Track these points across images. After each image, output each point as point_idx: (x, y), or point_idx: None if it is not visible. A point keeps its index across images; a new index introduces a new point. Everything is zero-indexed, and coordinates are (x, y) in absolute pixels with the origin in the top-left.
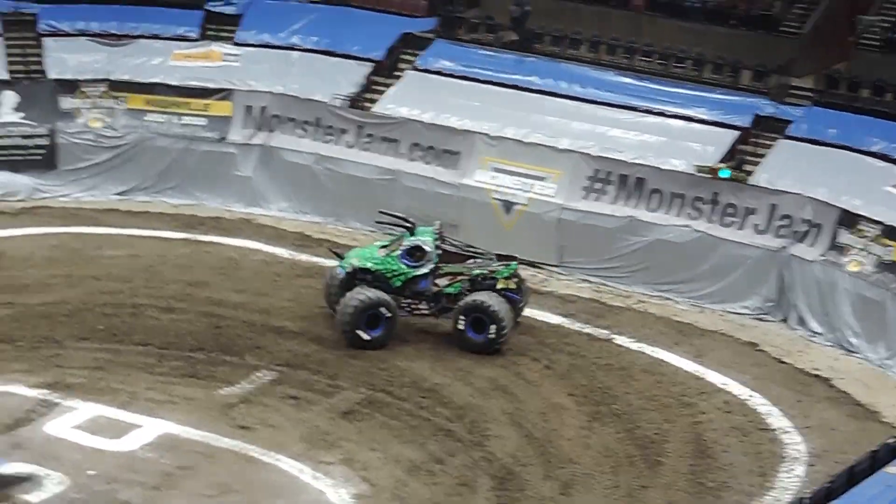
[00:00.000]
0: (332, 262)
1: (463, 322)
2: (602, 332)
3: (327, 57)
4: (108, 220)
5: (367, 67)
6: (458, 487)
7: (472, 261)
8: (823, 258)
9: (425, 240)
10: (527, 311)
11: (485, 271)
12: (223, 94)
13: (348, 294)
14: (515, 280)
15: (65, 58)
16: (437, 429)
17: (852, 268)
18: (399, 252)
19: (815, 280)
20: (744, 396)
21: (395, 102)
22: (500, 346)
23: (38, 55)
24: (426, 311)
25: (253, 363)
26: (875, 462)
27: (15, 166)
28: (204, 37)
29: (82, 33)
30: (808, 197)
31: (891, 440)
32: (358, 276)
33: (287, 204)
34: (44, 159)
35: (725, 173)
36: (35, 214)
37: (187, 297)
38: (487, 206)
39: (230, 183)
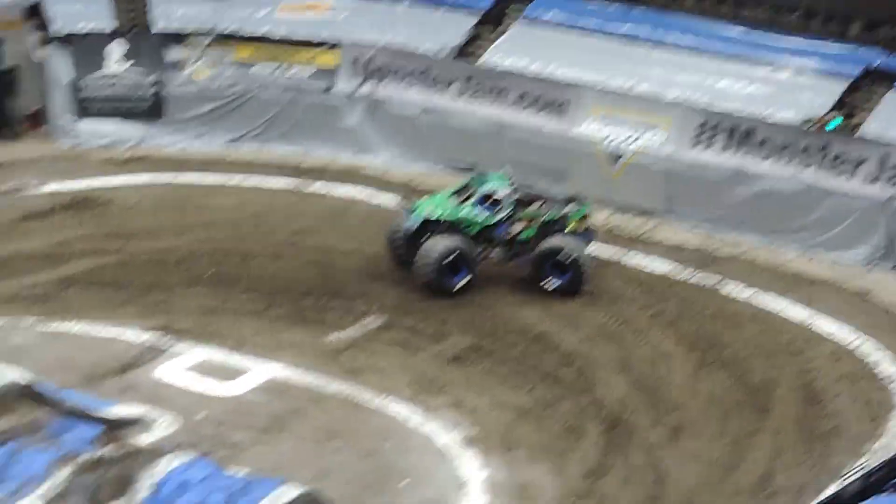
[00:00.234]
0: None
1: (544, 267)
2: (710, 281)
3: (434, 8)
4: (215, 168)
5: (473, 18)
6: (567, 433)
7: (539, 203)
8: None
9: (500, 186)
10: (634, 260)
11: (556, 215)
12: (330, 45)
13: (427, 243)
14: (586, 221)
15: (171, 9)
16: (545, 375)
17: None
18: (474, 200)
19: None
20: (853, 344)
21: (502, 53)
22: (581, 289)
23: (145, 6)
24: (499, 258)
25: (361, 309)
26: None
27: (122, 115)
28: None
29: None
30: None
31: None
32: (430, 228)
33: (393, 154)
34: (150, 109)
35: (834, 123)
36: (142, 163)
37: (294, 244)
38: (594, 156)
39: (336, 133)
